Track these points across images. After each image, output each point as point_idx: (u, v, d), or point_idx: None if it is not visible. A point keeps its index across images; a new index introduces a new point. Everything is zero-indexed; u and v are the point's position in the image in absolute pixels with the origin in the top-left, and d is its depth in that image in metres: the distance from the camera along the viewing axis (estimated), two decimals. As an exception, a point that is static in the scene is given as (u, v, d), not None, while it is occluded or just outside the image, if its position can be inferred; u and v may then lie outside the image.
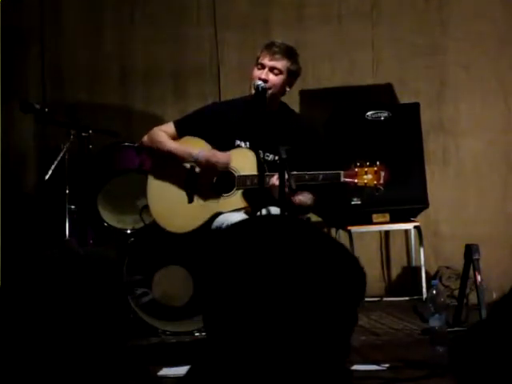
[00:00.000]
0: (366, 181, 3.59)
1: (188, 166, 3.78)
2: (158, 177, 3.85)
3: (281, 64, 3.72)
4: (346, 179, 3.57)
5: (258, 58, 3.76)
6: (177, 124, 3.86)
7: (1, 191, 4.45)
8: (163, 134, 3.82)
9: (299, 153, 3.63)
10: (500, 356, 1.19)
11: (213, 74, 5.29)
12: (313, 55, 5.28)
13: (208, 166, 3.74)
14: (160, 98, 5.30)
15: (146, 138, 3.87)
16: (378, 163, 3.60)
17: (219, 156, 3.74)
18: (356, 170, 3.58)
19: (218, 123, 3.81)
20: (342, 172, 3.58)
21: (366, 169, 3.58)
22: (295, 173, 3.50)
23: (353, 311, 1.22)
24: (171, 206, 3.80)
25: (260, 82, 3.66)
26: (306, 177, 3.57)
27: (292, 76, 3.77)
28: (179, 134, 3.83)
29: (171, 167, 3.81)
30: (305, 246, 1.20)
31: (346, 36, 5.27)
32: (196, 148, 3.77)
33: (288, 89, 3.80)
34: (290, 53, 3.77)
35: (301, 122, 3.95)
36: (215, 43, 5.28)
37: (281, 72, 3.73)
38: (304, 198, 3.71)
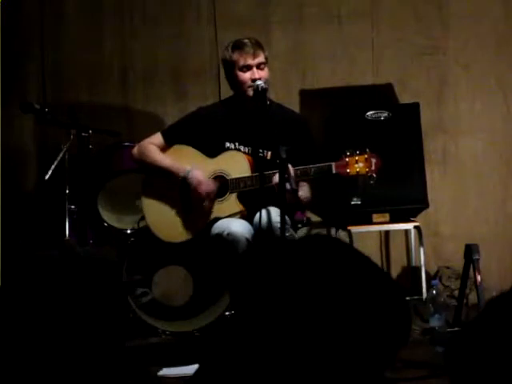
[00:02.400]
0: (357, 169, 3.59)
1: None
2: (151, 189, 3.85)
3: (262, 57, 3.77)
4: (338, 170, 3.57)
5: (233, 63, 3.75)
6: (164, 134, 3.86)
7: (1, 191, 4.45)
8: (153, 148, 3.81)
9: (292, 146, 3.62)
10: (496, 355, 1.19)
11: (213, 74, 5.28)
12: (313, 55, 5.28)
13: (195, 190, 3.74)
14: (160, 98, 5.29)
15: (135, 151, 3.87)
16: (367, 150, 3.60)
17: (204, 188, 3.72)
18: (346, 159, 3.58)
19: (206, 128, 3.81)
20: (333, 163, 3.57)
21: (356, 157, 3.58)
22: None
23: (391, 354, 1.20)
24: (167, 217, 3.79)
25: (260, 82, 3.67)
26: (298, 172, 3.56)
27: (268, 61, 3.81)
28: (167, 144, 3.83)
29: (163, 179, 3.80)
30: (358, 279, 1.18)
31: (346, 36, 5.27)
32: (187, 164, 3.76)
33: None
34: (260, 43, 3.84)
35: (289, 114, 3.94)
36: (215, 43, 5.28)
37: (265, 64, 3.77)
38: (304, 192, 3.71)
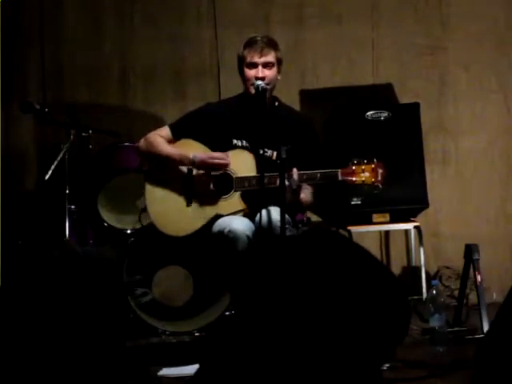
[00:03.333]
0: (363, 179, 3.59)
1: (185, 169, 3.78)
2: (156, 182, 3.85)
3: (271, 57, 3.75)
4: (344, 177, 3.58)
5: (243, 59, 3.76)
6: (172, 127, 3.86)
7: (1, 191, 4.45)
8: (159, 139, 3.82)
9: (297, 148, 3.63)
10: None
11: (213, 73, 5.29)
12: (313, 55, 5.29)
13: (204, 168, 3.74)
14: (160, 97, 5.30)
15: (142, 143, 3.87)
16: (374, 160, 3.60)
17: (215, 155, 3.74)
18: (353, 168, 3.58)
19: (214, 124, 3.81)
20: (339, 171, 3.58)
21: (363, 166, 3.59)
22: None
23: (391, 348, 1.21)
24: (170, 210, 3.79)
25: (260, 82, 3.67)
26: (304, 177, 3.57)
27: (280, 64, 3.81)
28: (175, 137, 3.83)
29: (168, 171, 3.81)
30: (363, 275, 1.19)
31: (346, 36, 5.27)
32: (191, 151, 3.77)
33: (279, 77, 3.82)
34: (273, 43, 3.81)
35: (296, 116, 3.95)
36: (215, 43, 5.28)
37: (273, 64, 3.76)
38: (305, 195, 3.71)
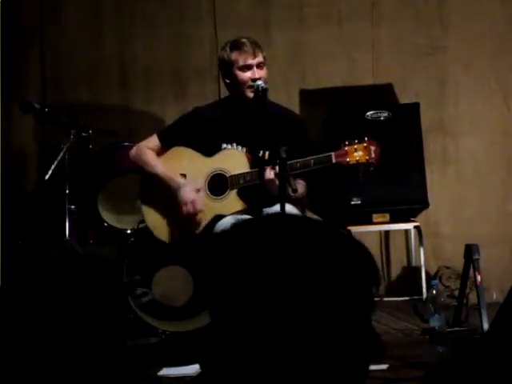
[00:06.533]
0: (357, 158, 3.61)
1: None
2: (150, 190, 3.85)
3: (261, 56, 3.77)
4: (338, 160, 3.59)
5: (232, 63, 3.74)
6: (160, 136, 3.85)
7: (1, 191, 4.45)
8: (150, 153, 3.81)
9: (290, 145, 3.62)
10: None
11: (213, 73, 5.28)
12: (313, 55, 5.28)
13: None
14: (160, 98, 5.30)
15: (133, 153, 3.87)
16: (366, 139, 3.62)
17: (189, 208, 3.72)
18: (346, 149, 3.59)
19: (202, 129, 3.80)
20: (332, 153, 3.59)
21: (355, 146, 3.60)
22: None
23: (367, 297, 1.19)
24: (166, 218, 3.79)
25: (260, 82, 3.66)
26: (298, 165, 3.57)
27: (266, 61, 3.81)
28: (164, 146, 3.83)
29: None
30: (310, 242, 1.18)
31: (346, 36, 5.27)
32: (183, 161, 3.77)
33: None
34: (258, 43, 3.82)
35: (286, 114, 3.93)
36: (215, 43, 5.28)
37: (264, 63, 3.76)
38: (299, 188, 3.72)
